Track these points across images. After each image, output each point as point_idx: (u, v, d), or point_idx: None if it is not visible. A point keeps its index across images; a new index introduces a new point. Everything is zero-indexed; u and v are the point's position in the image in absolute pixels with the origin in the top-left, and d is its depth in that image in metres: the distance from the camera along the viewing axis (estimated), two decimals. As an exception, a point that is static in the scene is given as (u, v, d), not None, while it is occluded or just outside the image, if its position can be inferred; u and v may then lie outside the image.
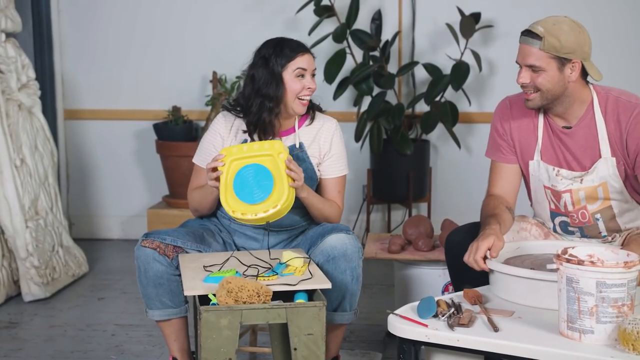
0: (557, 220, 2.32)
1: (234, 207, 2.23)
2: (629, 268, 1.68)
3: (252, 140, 2.40)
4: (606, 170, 2.19)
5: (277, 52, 2.37)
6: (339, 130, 2.49)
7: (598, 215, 2.25)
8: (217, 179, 2.26)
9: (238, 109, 2.43)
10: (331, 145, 2.45)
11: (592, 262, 1.69)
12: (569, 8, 4.09)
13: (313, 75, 2.41)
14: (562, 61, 2.11)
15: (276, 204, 2.20)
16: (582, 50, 2.12)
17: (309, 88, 2.38)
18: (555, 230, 2.35)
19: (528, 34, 2.13)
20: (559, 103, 2.18)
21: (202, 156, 2.46)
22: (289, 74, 2.36)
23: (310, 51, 2.42)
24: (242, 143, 2.37)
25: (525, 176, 2.34)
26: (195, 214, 2.51)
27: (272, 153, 2.25)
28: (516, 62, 2.18)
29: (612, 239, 2.26)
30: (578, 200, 2.24)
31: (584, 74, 2.17)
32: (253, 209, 2.21)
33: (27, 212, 3.44)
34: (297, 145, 2.42)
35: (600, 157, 2.19)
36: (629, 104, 2.17)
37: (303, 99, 2.38)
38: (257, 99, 2.37)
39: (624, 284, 1.68)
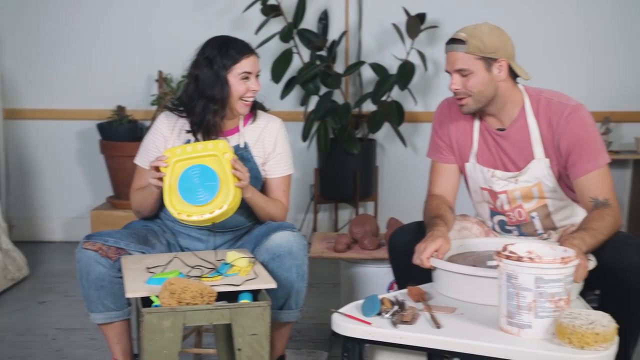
0: (496, 219, 2.36)
1: (179, 209, 2.21)
2: (566, 263, 1.72)
3: (196, 140, 2.38)
4: (540, 170, 2.24)
5: (222, 54, 2.34)
6: (284, 130, 2.49)
7: (534, 214, 2.30)
8: (161, 179, 2.24)
9: (181, 108, 2.41)
10: (275, 145, 2.45)
11: (531, 259, 1.73)
12: (509, 8, 4.20)
13: (257, 76, 2.40)
14: (489, 61, 2.16)
15: (222, 204, 2.19)
16: (506, 50, 2.17)
17: (253, 90, 2.37)
18: (494, 229, 2.39)
19: (452, 41, 2.19)
20: (492, 105, 2.22)
21: (144, 157, 2.44)
22: (233, 77, 2.34)
23: (255, 52, 2.41)
24: (186, 143, 2.35)
25: (464, 177, 2.39)
26: (138, 215, 2.48)
27: (216, 153, 2.24)
28: (446, 71, 2.23)
29: (548, 236, 2.31)
30: (514, 199, 2.29)
31: (513, 75, 2.22)
32: (199, 210, 2.20)
33: (-36, 214, 3.34)
34: (242, 145, 2.42)
35: (534, 158, 2.24)
36: (560, 105, 2.21)
37: (246, 100, 2.37)
38: (201, 100, 2.35)
39: (561, 279, 1.72)
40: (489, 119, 2.28)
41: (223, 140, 2.31)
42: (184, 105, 2.40)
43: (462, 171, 2.38)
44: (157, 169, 2.25)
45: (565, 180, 2.26)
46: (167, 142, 2.42)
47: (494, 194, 2.30)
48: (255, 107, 2.47)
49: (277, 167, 2.47)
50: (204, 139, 2.37)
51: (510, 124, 2.25)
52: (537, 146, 2.22)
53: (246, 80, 2.36)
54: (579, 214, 2.28)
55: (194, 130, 2.38)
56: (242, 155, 2.39)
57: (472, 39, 2.14)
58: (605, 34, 4.27)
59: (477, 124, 2.31)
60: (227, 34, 2.46)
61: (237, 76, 2.34)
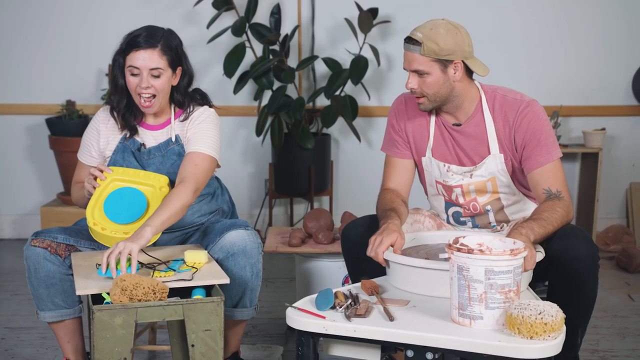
0: (451, 210, 2.39)
1: (97, 219, 2.22)
2: (515, 255, 1.75)
3: (131, 136, 2.36)
4: (494, 166, 2.27)
5: (123, 44, 2.30)
6: (213, 117, 2.37)
7: (488, 207, 2.34)
8: (94, 188, 2.25)
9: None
10: (199, 125, 2.34)
11: (481, 251, 1.75)
12: (459, 3, 4.25)
13: (156, 76, 2.25)
14: (444, 63, 2.18)
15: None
16: (462, 50, 2.19)
17: (141, 86, 2.25)
18: (448, 221, 2.42)
19: (409, 40, 2.19)
20: (449, 102, 2.25)
21: (82, 152, 2.44)
22: (126, 70, 2.28)
23: (155, 46, 2.25)
24: (122, 143, 2.36)
25: (419, 171, 2.41)
26: (78, 206, 2.47)
27: (154, 185, 2.27)
28: (403, 68, 2.24)
29: (501, 228, 2.35)
30: (468, 193, 2.32)
31: (469, 72, 2.24)
32: (115, 228, 2.21)
33: None
34: (173, 139, 2.37)
35: (489, 153, 2.27)
36: (515, 101, 2.25)
37: (143, 97, 2.27)
38: (115, 94, 2.35)
39: (510, 270, 1.75)
40: (445, 115, 2.31)
41: (165, 177, 2.30)
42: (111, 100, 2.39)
43: (417, 165, 2.40)
44: (95, 177, 2.26)
45: (517, 176, 2.30)
46: (100, 137, 2.39)
47: (449, 188, 2.33)
48: (186, 103, 2.37)
49: (193, 142, 2.31)
50: (130, 134, 2.36)
51: (467, 119, 2.28)
52: (493, 142, 2.26)
53: (134, 76, 2.26)
54: (531, 209, 2.32)
55: (121, 125, 2.36)
56: (174, 149, 2.36)
57: (428, 41, 2.15)
58: (554, 30, 4.35)
59: (433, 118, 2.33)
60: (176, 28, 2.43)
61: (127, 69, 2.27)
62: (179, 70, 2.34)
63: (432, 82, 2.19)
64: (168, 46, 2.29)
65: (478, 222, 2.37)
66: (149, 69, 2.25)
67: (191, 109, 2.38)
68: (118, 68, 2.31)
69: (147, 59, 2.24)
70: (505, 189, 2.30)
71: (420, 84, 2.20)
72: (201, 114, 2.37)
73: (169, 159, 2.35)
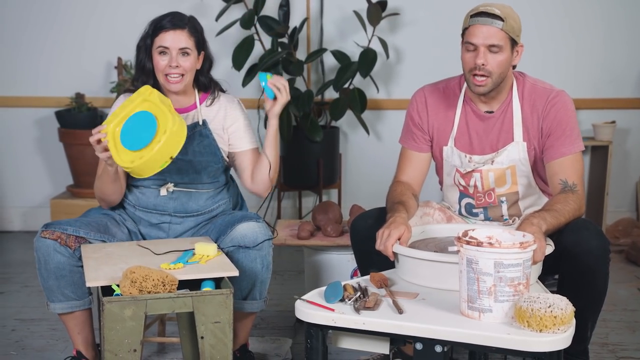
0: (464, 202, 2.39)
1: (131, 158, 2.16)
2: (525, 248, 1.74)
3: None
4: (516, 153, 2.27)
5: (149, 27, 2.35)
6: (242, 107, 2.48)
7: (503, 198, 2.33)
8: (106, 149, 2.19)
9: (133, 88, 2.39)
10: (235, 120, 2.43)
11: (491, 244, 1.75)
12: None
13: (185, 54, 2.32)
14: (514, 43, 2.19)
15: (164, 129, 2.15)
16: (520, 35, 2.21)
17: (171, 66, 2.30)
18: (460, 212, 2.42)
19: (487, 15, 2.15)
20: (497, 88, 2.24)
21: None
22: (154, 51, 2.32)
23: (184, 27, 2.32)
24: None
25: (439, 161, 2.40)
26: (102, 203, 2.44)
27: (142, 98, 2.23)
28: (470, 42, 2.17)
29: (513, 222, 2.35)
30: (487, 180, 2.31)
31: None
32: (148, 150, 2.16)
33: None
34: (200, 122, 2.39)
35: (512, 140, 2.27)
36: (545, 90, 2.26)
37: (170, 78, 2.32)
38: (141, 76, 2.36)
39: (520, 263, 1.74)
40: (479, 103, 2.30)
41: (146, 86, 2.27)
42: (134, 85, 2.39)
43: (434, 157, 2.39)
44: (99, 142, 2.19)
45: (538, 168, 2.30)
46: None
47: (468, 174, 2.32)
48: (212, 87, 2.44)
49: (243, 140, 2.44)
50: None
51: (499, 106, 2.28)
52: (518, 129, 2.26)
53: (163, 55, 2.31)
54: (541, 204, 2.32)
55: None
56: (201, 132, 2.37)
57: (509, 18, 2.15)
58: (563, 22, 4.33)
59: (460, 108, 2.32)
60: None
61: (155, 50, 2.32)
62: (202, 55, 2.38)
63: (502, 60, 2.17)
64: (195, 29, 2.36)
65: (490, 214, 2.36)
66: (178, 48, 2.30)
67: (217, 95, 2.44)
68: (145, 51, 2.34)
69: (176, 39, 2.30)
70: (523, 179, 2.30)
71: (491, 62, 2.17)
72: (235, 105, 2.45)
73: (195, 139, 2.37)
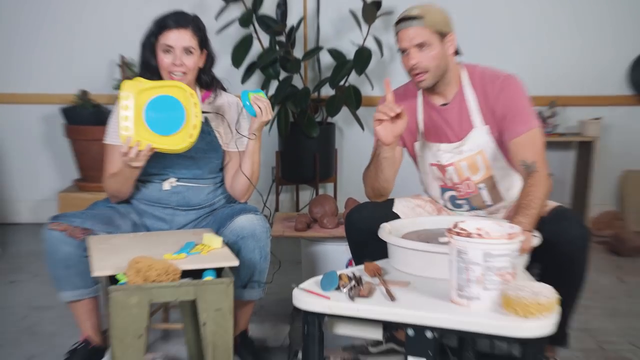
0: (447, 195, 2.41)
1: (157, 141, 2.18)
2: (512, 239, 1.76)
3: None
4: (481, 137, 2.29)
5: (154, 25, 2.34)
6: (239, 109, 2.48)
7: (481, 185, 2.35)
8: (137, 156, 2.19)
9: None
10: (237, 121, 2.45)
11: (480, 235, 1.76)
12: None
13: (189, 52, 2.32)
14: (443, 35, 2.21)
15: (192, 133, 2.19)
16: (452, 26, 2.22)
17: (175, 64, 2.31)
18: (446, 207, 2.44)
19: (406, 19, 2.21)
20: (441, 80, 2.27)
21: (112, 134, 2.41)
22: (159, 48, 2.32)
23: (188, 26, 2.32)
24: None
25: (414, 158, 2.42)
26: (114, 199, 2.45)
27: (176, 85, 2.23)
28: (400, 48, 2.24)
29: (497, 210, 2.37)
30: (461, 171, 2.34)
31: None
32: (169, 141, 2.18)
33: None
34: (203, 120, 2.39)
35: (473, 127, 2.29)
36: (493, 76, 2.28)
37: (174, 75, 2.32)
38: (145, 73, 2.36)
39: (508, 254, 1.76)
40: (434, 97, 2.33)
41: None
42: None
43: (410, 152, 2.41)
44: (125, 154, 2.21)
45: (504, 147, 2.31)
46: None
47: (442, 168, 2.35)
48: (214, 84, 2.46)
49: (232, 142, 2.45)
50: None
51: (453, 97, 2.31)
52: (476, 115, 2.28)
53: (167, 53, 2.31)
54: (517, 180, 2.35)
55: None
56: (203, 129, 2.39)
57: (428, 14, 2.18)
58: (551, 24, 4.34)
59: (420, 103, 2.35)
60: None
61: (160, 48, 2.32)
62: (204, 53, 2.39)
63: (434, 55, 2.20)
64: (198, 27, 2.35)
65: (474, 203, 2.38)
66: (182, 47, 2.30)
67: (218, 93, 2.45)
68: (149, 50, 2.34)
69: (180, 38, 2.30)
70: (495, 162, 2.32)
71: (422, 59, 2.21)
72: (235, 104, 2.46)
73: (198, 136, 2.37)
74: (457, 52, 2.29)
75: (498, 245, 1.75)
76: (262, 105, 2.30)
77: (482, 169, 2.33)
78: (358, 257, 2.33)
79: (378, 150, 2.29)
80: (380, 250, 2.12)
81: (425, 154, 2.37)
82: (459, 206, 2.41)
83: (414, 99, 2.37)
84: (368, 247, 2.17)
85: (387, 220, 2.22)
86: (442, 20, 2.20)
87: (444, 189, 2.40)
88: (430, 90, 2.31)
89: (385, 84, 2.21)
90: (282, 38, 4.06)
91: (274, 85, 4.09)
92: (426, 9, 2.20)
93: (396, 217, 2.31)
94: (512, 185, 2.37)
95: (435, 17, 2.19)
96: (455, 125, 2.31)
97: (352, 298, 1.85)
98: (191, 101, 2.21)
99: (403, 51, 2.23)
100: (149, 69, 2.36)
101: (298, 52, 4.19)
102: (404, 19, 2.21)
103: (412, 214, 2.35)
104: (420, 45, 2.19)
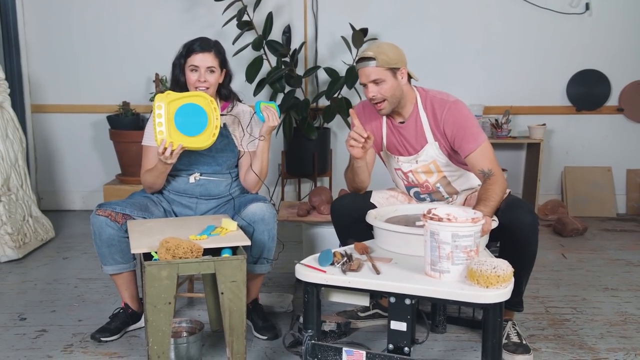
0: (412, 191, 2.38)
1: (186, 141, 2.15)
2: (475, 223, 1.74)
3: None
4: (433, 151, 2.25)
5: (183, 49, 2.32)
6: (252, 115, 2.44)
7: (438, 185, 2.32)
8: (171, 155, 2.16)
9: None
10: (249, 127, 2.42)
11: (449, 219, 1.74)
12: (427, 24, 4.20)
13: (211, 71, 2.30)
14: (394, 71, 2.16)
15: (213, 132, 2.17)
16: (403, 60, 2.18)
17: (200, 81, 2.29)
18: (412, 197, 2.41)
19: (363, 59, 2.15)
20: (399, 105, 2.23)
21: (148, 136, 2.39)
22: (187, 68, 2.30)
23: (210, 50, 2.29)
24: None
25: (382, 161, 2.39)
26: (149, 190, 2.41)
27: (198, 94, 2.20)
28: (360, 83, 2.20)
29: (453, 200, 2.34)
30: (419, 175, 2.31)
31: (408, 79, 2.22)
32: (196, 140, 2.16)
33: (0, 189, 3.24)
34: (222, 125, 2.37)
35: (427, 142, 2.25)
36: (442, 101, 2.22)
37: (199, 89, 2.29)
38: (176, 88, 2.33)
39: (472, 234, 1.74)
40: (394, 116, 2.28)
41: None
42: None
43: (380, 157, 2.40)
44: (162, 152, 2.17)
45: (453, 157, 2.28)
46: None
47: (404, 173, 2.33)
48: (231, 97, 2.43)
49: (252, 143, 2.42)
50: None
51: (408, 116, 2.26)
52: (428, 133, 2.24)
53: (194, 72, 2.29)
54: (472, 179, 2.33)
55: None
56: (222, 133, 2.36)
57: (380, 55, 2.13)
58: (505, 48, 4.31)
59: (384, 120, 2.31)
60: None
61: (188, 68, 2.29)
62: (224, 71, 2.36)
63: (388, 88, 2.16)
64: (219, 51, 2.33)
65: (434, 197, 2.35)
66: (206, 67, 2.28)
67: (235, 104, 2.42)
68: (179, 69, 2.31)
69: (204, 60, 2.28)
70: (446, 168, 2.28)
71: (379, 91, 2.16)
72: (248, 113, 2.41)
73: (218, 139, 2.34)
74: (412, 77, 2.23)
75: (464, 227, 1.72)
76: (271, 113, 2.27)
77: (435, 173, 2.29)
78: (342, 237, 2.30)
79: (352, 161, 2.25)
80: (360, 232, 2.10)
81: (390, 161, 2.34)
82: (423, 199, 2.37)
83: (378, 118, 2.32)
84: (350, 230, 2.14)
85: (364, 208, 2.20)
86: (393, 57, 2.14)
87: (409, 187, 2.37)
88: (391, 112, 2.26)
89: (351, 114, 2.16)
90: (287, 59, 4.02)
91: (279, 97, 4.06)
92: (379, 49, 2.14)
93: (373, 206, 2.29)
94: (465, 182, 2.34)
95: (387, 56, 2.13)
96: (412, 141, 2.26)
97: (344, 272, 1.83)
98: (211, 107, 2.19)
99: (363, 85, 2.19)
100: (178, 84, 2.33)
101: (300, 70, 4.15)
102: (360, 60, 2.16)
103: (386, 203, 2.33)
104: (376, 81, 2.15)
